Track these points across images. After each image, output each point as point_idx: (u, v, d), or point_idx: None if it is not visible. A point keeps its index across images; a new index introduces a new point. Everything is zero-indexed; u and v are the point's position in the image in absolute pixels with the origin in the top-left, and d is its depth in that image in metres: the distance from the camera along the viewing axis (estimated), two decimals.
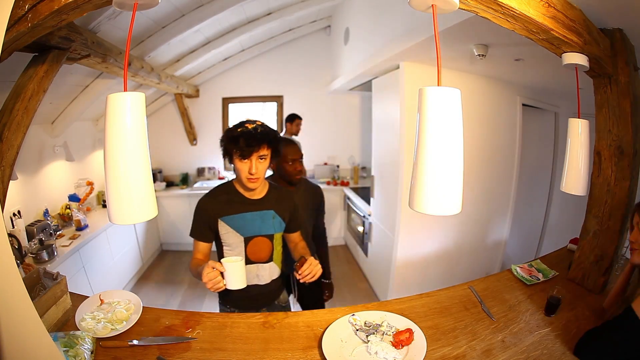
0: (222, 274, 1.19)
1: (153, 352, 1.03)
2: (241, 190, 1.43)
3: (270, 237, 1.44)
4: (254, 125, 1.33)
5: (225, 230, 1.40)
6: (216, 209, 1.40)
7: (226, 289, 1.20)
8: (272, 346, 1.08)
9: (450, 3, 0.74)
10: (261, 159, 1.32)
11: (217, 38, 3.33)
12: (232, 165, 1.37)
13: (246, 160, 1.30)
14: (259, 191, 1.44)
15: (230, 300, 1.49)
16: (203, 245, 1.42)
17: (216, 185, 1.51)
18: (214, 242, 1.45)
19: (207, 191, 1.47)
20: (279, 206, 1.47)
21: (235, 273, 1.20)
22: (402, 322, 1.15)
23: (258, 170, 1.31)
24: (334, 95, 4.74)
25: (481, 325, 1.16)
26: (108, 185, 0.70)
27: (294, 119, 4.07)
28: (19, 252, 2.13)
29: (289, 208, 1.51)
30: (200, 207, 1.42)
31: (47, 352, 0.78)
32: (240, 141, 1.28)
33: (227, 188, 1.46)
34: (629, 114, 1.23)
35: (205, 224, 1.41)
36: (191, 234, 1.43)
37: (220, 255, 1.44)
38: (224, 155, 1.38)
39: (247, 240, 1.41)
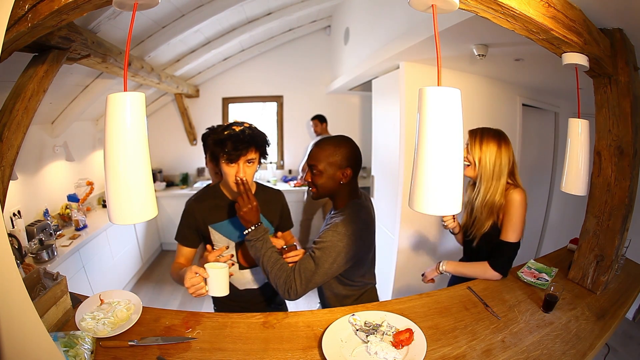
0: (205, 280, 1.17)
1: (153, 352, 1.03)
2: (228, 194, 1.39)
3: None
4: (242, 127, 1.28)
5: (216, 237, 1.39)
6: (204, 215, 1.38)
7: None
8: (272, 346, 1.08)
9: (450, 3, 0.74)
10: (249, 162, 1.27)
11: (217, 38, 3.33)
12: (218, 167, 1.32)
13: (233, 165, 1.25)
14: None
15: (225, 306, 1.47)
16: (187, 250, 1.41)
17: (203, 187, 1.48)
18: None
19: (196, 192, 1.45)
20: (267, 209, 1.43)
21: (219, 280, 1.18)
22: (402, 322, 1.14)
23: (246, 174, 1.26)
24: (334, 95, 4.74)
25: (481, 325, 1.16)
26: (108, 185, 0.70)
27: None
28: (19, 252, 2.13)
29: (278, 210, 1.49)
30: (188, 211, 1.39)
31: (47, 352, 0.78)
32: (227, 144, 1.23)
33: (214, 192, 1.42)
34: (629, 114, 1.23)
35: (191, 228, 1.39)
36: (176, 238, 1.41)
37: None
38: (204, 153, 1.35)
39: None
